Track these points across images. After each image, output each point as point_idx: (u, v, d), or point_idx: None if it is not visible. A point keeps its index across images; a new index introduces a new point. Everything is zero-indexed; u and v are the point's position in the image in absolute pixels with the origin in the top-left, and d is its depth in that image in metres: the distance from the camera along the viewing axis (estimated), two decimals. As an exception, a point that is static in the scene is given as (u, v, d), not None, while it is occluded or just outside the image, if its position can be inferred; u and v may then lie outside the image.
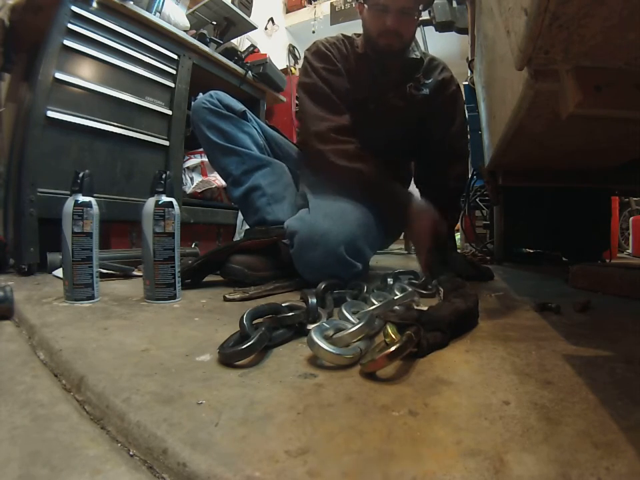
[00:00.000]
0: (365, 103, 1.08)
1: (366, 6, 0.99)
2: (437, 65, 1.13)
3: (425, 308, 0.55)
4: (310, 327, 0.50)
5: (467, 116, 1.33)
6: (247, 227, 1.14)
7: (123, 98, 1.31)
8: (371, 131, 1.06)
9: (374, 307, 0.59)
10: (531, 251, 1.75)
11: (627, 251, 2.42)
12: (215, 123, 1.02)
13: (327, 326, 0.46)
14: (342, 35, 1.12)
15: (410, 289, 0.71)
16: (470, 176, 1.77)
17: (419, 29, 1.90)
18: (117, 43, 1.29)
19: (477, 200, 1.86)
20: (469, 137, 1.21)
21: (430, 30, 1.85)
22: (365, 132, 1.04)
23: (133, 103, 1.35)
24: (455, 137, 1.14)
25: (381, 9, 0.95)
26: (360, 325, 0.45)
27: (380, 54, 1.03)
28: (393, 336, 0.43)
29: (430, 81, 1.10)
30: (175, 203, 0.75)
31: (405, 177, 1.26)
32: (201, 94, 1.08)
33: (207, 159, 1.67)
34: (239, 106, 1.05)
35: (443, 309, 0.53)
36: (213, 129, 1.02)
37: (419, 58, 1.08)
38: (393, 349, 0.39)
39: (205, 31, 1.65)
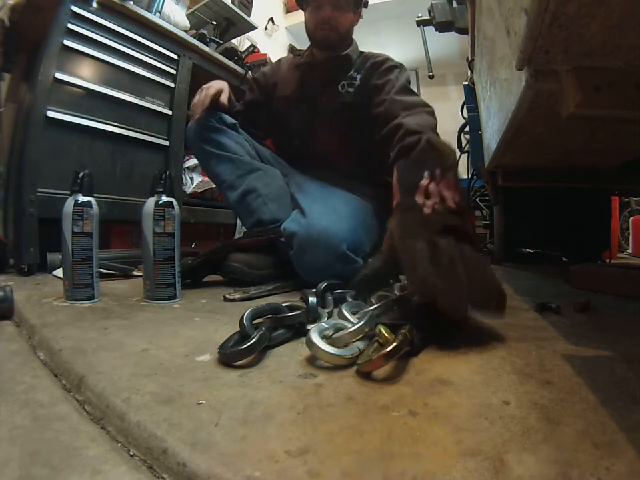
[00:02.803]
0: (295, 105, 1.13)
1: (306, 8, 1.09)
2: (370, 57, 1.13)
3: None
4: (310, 326, 0.50)
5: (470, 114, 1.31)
6: (247, 227, 1.14)
7: (122, 98, 1.31)
8: (314, 133, 1.12)
9: (374, 306, 0.59)
10: (531, 250, 1.74)
11: (627, 250, 2.42)
12: (209, 135, 1.06)
13: (326, 326, 0.46)
14: (291, 49, 1.29)
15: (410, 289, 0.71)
16: (470, 176, 1.77)
17: (419, 29, 1.91)
18: (117, 42, 1.29)
19: (477, 200, 1.86)
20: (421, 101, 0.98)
21: (430, 30, 1.85)
22: (306, 134, 1.12)
23: (133, 103, 1.35)
24: (398, 93, 0.99)
25: (317, 4, 1.06)
26: (359, 324, 0.45)
27: (318, 47, 1.12)
28: (387, 335, 0.43)
29: (362, 72, 1.10)
30: (174, 203, 0.75)
31: (375, 175, 1.14)
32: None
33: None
34: (230, 119, 1.09)
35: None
36: (207, 141, 1.06)
37: (344, 54, 1.11)
38: (389, 348, 0.38)
39: (205, 31, 1.65)
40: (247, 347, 0.42)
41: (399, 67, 1.09)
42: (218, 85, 1.06)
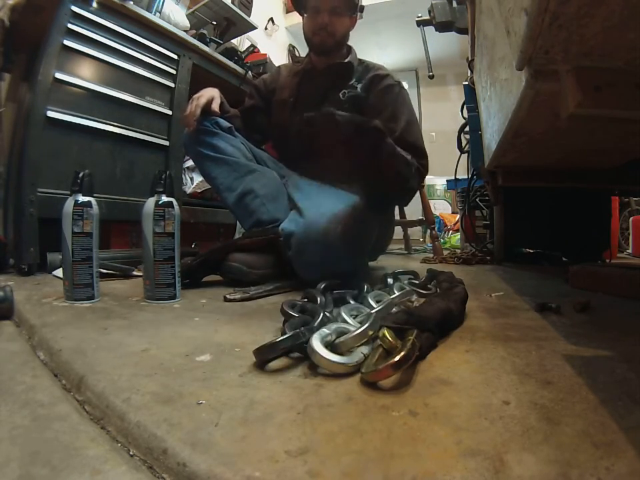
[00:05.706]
0: (294, 110, 1.14)
1: (304, 14, 1.13)
2: (371, 68, 1.16)
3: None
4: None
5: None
6: (246, 227, 1.14)
7: (122, 98, 1.31)
8: (315, 138, 1.08)
9: (376, 309, 0.58)
10: (531, 250, 1.74)
11: (627, 250, 2.42)
12: (205, 139, 1.06)
13: (327, 331, 0.43)
14: (291, 49, 1.31)
15: (408, 289, 0.71)
16: (470, 176, 1.77)
17: (419, 29, 1.91)
18: (117, 42, 1.29)
19: (477, 200, 1.86)
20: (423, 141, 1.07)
21: (430, 30, 1.85)
22: (306, 139, 1.11)
23: (133, 103, 1.35)
24: (406, 131, 1.03)
25: (314, 10, 1.09)
26: (363, 328, 0.43)
27: (316, 53, 1.16)
28: (391, 340, 0.41)
29: (362, 83, 1.12)
30: (174, 203, 0.75)
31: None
32: None
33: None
34: (225, 123, 1.10)
35: (425, 309, 0.51)
36: (203, 144, 1.06)
37: (346, 61, 1.13)
38: (397, 358, 0.36)
39: (205, 31, 1.65)
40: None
41: (397, 85, 1.11)
42: (208, 94, 1.07)
